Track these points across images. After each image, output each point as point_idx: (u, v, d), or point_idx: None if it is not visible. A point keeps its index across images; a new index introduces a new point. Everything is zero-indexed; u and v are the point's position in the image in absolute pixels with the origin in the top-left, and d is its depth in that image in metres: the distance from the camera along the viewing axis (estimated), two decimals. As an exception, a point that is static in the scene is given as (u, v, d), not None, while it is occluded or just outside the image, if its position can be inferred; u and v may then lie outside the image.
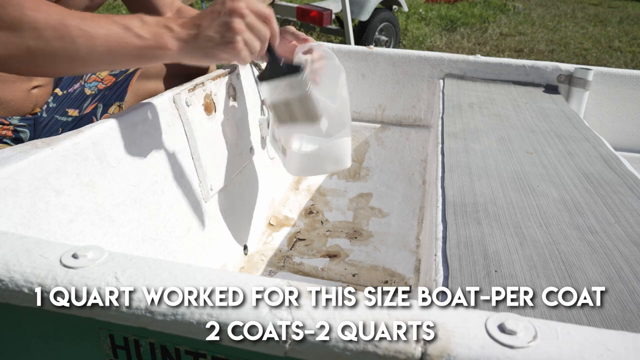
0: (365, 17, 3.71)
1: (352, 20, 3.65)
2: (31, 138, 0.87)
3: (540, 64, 1.40)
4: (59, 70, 0.64)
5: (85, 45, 0.61)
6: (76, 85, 0.97)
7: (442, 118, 1.11)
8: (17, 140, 0.86)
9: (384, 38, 4.04)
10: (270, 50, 0.75)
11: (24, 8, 0.59)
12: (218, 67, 1.13)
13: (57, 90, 0.94)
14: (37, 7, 0.60)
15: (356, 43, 3.71)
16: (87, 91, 0.94)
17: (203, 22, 0.65)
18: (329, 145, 0.95)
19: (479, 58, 1.43)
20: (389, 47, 4.15)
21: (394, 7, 4.24)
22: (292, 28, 1.00)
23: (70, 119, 0.90)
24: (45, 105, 0.91)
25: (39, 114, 0.89)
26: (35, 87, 0.88)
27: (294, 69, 0.78)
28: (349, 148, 0.99)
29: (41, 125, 0.88)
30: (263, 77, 0.79)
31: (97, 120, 0.91)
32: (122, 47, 0.63)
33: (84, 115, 0.91)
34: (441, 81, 1.40)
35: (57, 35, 0.59)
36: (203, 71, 1.07)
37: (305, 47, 0.97)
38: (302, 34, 1.00)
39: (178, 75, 1.03)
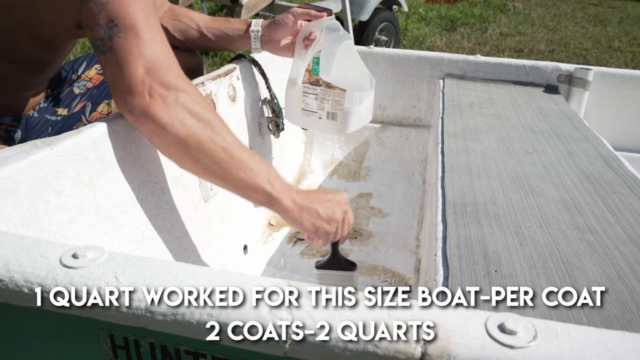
0: (365, 17, 3.71)
1: (352, 20, 3.65)
2: (22, 137, 0.87)
3: (540, 64, 1.39)
4: (206, 171, 0.71)
5: (236, 166, 0.70)
6: (66, 85, 0.97)
7: (442, 118, 1.11)
8: (9, 139, 0.86)
9: (384, 38, 4.04)
10: (334, 246, 0.89)
11: (210, 112, 0.69)
12: (218, 67, 1.13)
13: (48, 91, 0.95)
14: (219, 119, 0.70)
15: (356, 43, 3.70)
16: (76, 90, 0.94)
17: (315, 200, 0.79)
18: (368, 102, 1.12)
19: (479, 58, 1.43)
20: (389, 47, 4.15)
21: (394, 7, 4.24)
22: (301, 9, 1.04)
23: (59, 117, 0.90)
24: (37, 106, 0.91)
25: (30, 114, 0.89)
26: (33, 94, 0.88)
27: (349, 266, 0.91)
28: (372, 102, 1.17)
29: (32, 125, 0.89)
30: (321, 265, 0.92)
31: (86, 118, 0.91)
32: (255, 183, 0.72)
33: (73, 114, 0.92)
34: (441, 81, 1.40)
35: (223, 145, 0.69)
36: (196, 68, 1.07)
37: (319, 24, 1.03)
38: (313, 11, 1.04)
39: None
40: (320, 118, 1.11)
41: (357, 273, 0.93)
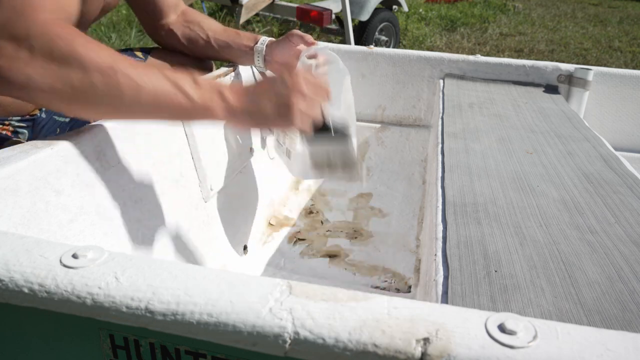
0: (365, 17, 3.71)
1: (352, 20, 3.65)
2: (30, 138, 0.87)
3: (540, 64, 1.39)
4: (97, 113, 0.63)
5: (130, 95, 0.59)
6: None
7: (442, 118, 1.11)
8: (16, 140, 0.86)
9: (384, 38, 4.04)
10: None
11: (76, 44, 0.58)
12: (217, 67, 1.13)
13: None
14: (89, 46, 0.59)
15: (356, 43, 3.71)
16: None
17: (262, 100, 0.65)
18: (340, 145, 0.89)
19: (479, 58, 1.43)
20: (389, 47, 4.15)
21: (394, 7, 4.24)
22: (298, 32, 1.01)
23: (67, 119, 0.90)
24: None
25: (38, 114, 0.89)
26: None
27: (340, 130, 0.78)
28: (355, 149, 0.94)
29: (40, 126, 0.88)
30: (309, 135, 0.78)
31: (93, 120, 0.91)
32: (168, 105, 0.61)
33: None
34: (441, 81, 1.40)
35: (103, 80, 0.58)
36: (205, 72, 1.07)
37: (310, 51, 0.98)
38: (309, 37, 1.01)
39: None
40: (285, 154, 1.01)
41: (351, 136, 0.79)
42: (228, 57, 1.07)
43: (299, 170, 0.98)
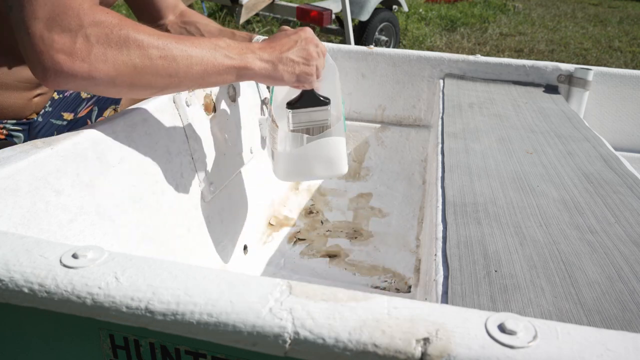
0: (365, 17, 3.71)
1: (352, 20, 3.65)
2: (25, 142, 0.87)
3: (540, 64, 1.39)
4: (159, 87, 0.66)
5: (184, 64, 0.65)
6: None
7: (442, 118, 1.11)
8: (10, 144, 0.86)
9: (384, 38, 4.04)
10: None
11: (127, 26, 0.61)
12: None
13: (54, 94, 0.94)
14: (140, 28, 0.63)
15: (356, 43, 3.71)
16: (83, 94, 0.94)
17: (283, 48, 0.75)
18: (317, 144, 0.87)
19: (479, 58, 1.43)
20: (389, 47, 4.15)
21: (394, 7, 4.24)
22: (287, 28, 1.00)
23: (65, 122, 0.90)
24: (42, 110, 0.91)
25: (35, 118, 0.89)
26: (36, 95, 0.88)
27: (322, 101, 0.86)
28: (342, 150, 0.90)
29: (36, 130, 0.88)
30: (294, 104, 0.86)
31: (92, 123, 0.91)
32: (214, 66, 0.68)
33: (79, 118, 0.91)
34: (441, 81, 1.40)
35: (160, 54, 0.63)
36: None
37: None
38: None
39: None
40: (270, 155, 0.97)
41: (330, 107, 0.86)
42: None
43: (282, 172, 0.93)
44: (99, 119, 0.91)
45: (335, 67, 0.94)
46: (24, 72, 0.82)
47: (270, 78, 0.74)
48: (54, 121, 0.90)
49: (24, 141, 0.87)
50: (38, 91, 0.88)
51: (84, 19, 0.58)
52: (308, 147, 0.88)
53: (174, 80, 0.65)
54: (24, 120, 0.87)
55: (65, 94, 0.95)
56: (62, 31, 0.57)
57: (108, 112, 0.93)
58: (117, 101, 0.93)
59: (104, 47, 0.59)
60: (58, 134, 0.88)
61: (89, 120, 0.91)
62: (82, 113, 0.92)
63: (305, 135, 0.89)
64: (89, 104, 0.93)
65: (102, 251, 0.42)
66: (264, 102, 1.23)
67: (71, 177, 0.66)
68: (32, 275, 0.40)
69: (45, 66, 0.57)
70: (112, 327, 0.39)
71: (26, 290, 0.39)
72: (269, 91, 0.97)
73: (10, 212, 0.57)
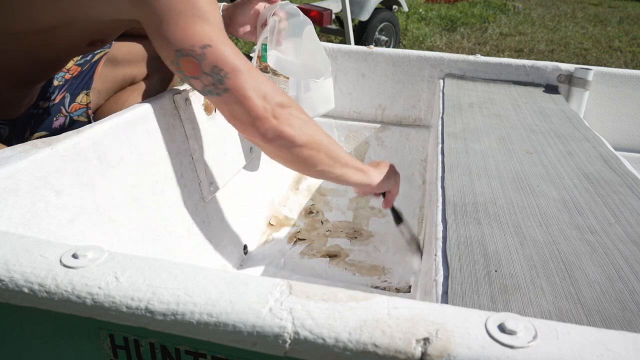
0: (365, 17, 3.71)
1: (352, 20, 3.65)
2: (9, 135, 0.88)
3: (540, 64, 1.39)
4: (313, 173, 0.84)
5: (339, 170, 0.85)
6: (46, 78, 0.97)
7: (442, 118, 1.11)
8: None
9: (384, 38, 4.04)
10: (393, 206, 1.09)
11: (316, 133, 0.80)
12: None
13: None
14: (320, 132, 0.82)
15: (356, 43, 3.71)
16: (55, 82, 0.95)
17: (387, 177, 0.97)
18: (318, 87, 1.10)
19: (479, 58, 1.43)
20: (389, 47, 4.15)
21: (394, 7, 4.24)
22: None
23: (41, 111, 0.91)
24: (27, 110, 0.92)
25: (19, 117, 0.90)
26: (25, 97, 0.89)
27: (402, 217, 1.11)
28: (331, 89, 1.17)
29: (19, 122, 0.90)
30: (400, 221, 1.10)
31: (65, 109, 0.93)
32: (346, 178, 0.87)
33: (53, 105, 0.92)
34: (441, 81, 1.40)
35: (328, 156, 0.82)
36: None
37: (273, 9, 0.98)
38: None
39: (146, 58, 1.03)
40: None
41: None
42: None
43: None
44: (72, 105, 0.93)
45: (308, 21, 1.03)
46: (10, 90, 0.84)
47: (380, 188, 0.96)
48: (32, 111, 0.91)
49: (8, 134, 0.88)
50: (28, 98, 0.89)
51: (285, 98, 0.77)
52: (314, 90, 1.09)
53: (330, 162, 0.83)
54: (10, 118, 0.88)
55: (41, 84, 0.95)
56: (277, 105, 0.75)
57: (80, 98, 0.94)
58: (88, 86, 0.95)
59: (302, 122, 0.78)
60: (35, 122, 0.89)
61: (62, 107, 0.93)
62: (56, 100, 0.94)
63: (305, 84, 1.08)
64: (62, 90, 0.94)
65: (102, 251, 0.42)
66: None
67: (71, 177, 0.66)
68: (32, 275, 0.40)
69: (267, 127, 0.74)
70: (112, 327, 0.40)
71: (26, 290, 0.39)
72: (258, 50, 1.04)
73: (10, 212, 0.57)
